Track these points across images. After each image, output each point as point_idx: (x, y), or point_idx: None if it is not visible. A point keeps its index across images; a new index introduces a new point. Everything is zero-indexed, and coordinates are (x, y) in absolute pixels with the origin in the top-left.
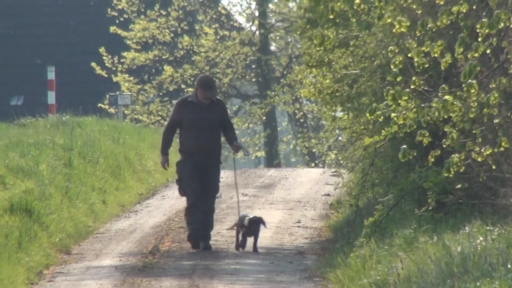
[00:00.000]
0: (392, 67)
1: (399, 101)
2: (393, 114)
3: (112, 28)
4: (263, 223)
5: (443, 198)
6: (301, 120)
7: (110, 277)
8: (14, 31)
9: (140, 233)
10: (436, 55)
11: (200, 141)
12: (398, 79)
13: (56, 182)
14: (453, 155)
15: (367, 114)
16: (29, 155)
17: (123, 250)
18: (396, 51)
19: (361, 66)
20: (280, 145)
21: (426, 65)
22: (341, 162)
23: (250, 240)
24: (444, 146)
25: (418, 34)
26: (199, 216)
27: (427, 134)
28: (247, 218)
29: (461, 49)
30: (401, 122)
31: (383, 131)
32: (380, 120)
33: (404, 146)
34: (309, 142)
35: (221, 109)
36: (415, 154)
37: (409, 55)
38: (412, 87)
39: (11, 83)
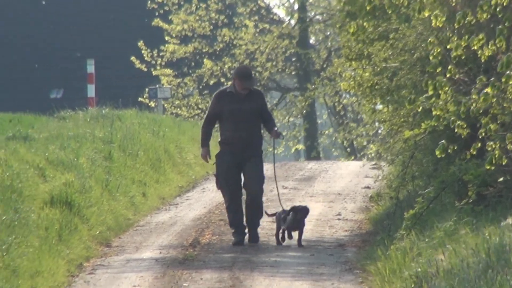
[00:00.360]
0: (430, 58)
1: (440, 92)
2: (434, 111)
3: (156, 21)
4: (308, 212)
5: (483, 190)
6: (341, 113)
7: (150, 269)
8: (54, 25)
9: (181, 225)
10: (475, 48)
11: (239, 132)
12: (438, 70)
13: (96, 175)
14: (488, 143)
15: (407, 105)
16: (69, 148)
17: (164, 242)
18: (435, 43)
19: (401, 59)
20: (320, 138)
21: (463, 57)
22: (382, 154)
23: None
24: (480, 137)
25: (457, 26)
26: (240, 215)
27: (465, 126)
28: (292, 207)
29: (503, 42)
30: (440, 114)
31: (423, 124)
32: (419, 110)
33: (443, 141)
34: (349, 134)
35: (260, 99)
36: (455, 148)
37: (448, 46)
38: (447, 75)
39: (50, 77)
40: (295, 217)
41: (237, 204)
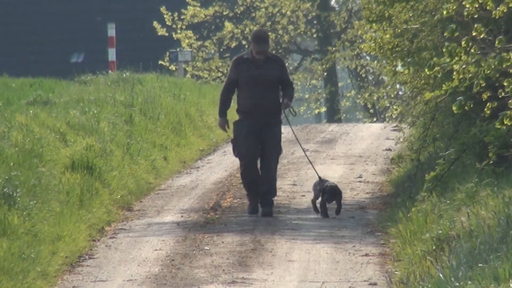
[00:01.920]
0: (444, 13)
1: (459, 56)
2: (455, 66)
3: None
4: (337, 193)
5: (504, 152)
6: (363, 76)
7: (172, 233)
8: None
9: (202, 189)
10: (489, 7)
11: (256, 100)
12: (456, 34)
13: (117, 139)
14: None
15: (426, 70)
16: (90, 112)
17: (185, 206)
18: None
19: (422, 21)
20: (341, 100)
21: (496, 16)
22: (403, 116)
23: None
24: (500, 96)
25: None
26: (255, 182)
27: (484, 84)
28: (325, 185)
29: None
30: (461, 76)
31: (444, 85)
32: (439, 75)
33: (460, 98)
34: (371, 96)
35: (279, 66)
36: (471, 105)
37: (463, 3)
38: (473, 33)
39: (71, 41)
40: (326, 198)
41: (252, 172)
